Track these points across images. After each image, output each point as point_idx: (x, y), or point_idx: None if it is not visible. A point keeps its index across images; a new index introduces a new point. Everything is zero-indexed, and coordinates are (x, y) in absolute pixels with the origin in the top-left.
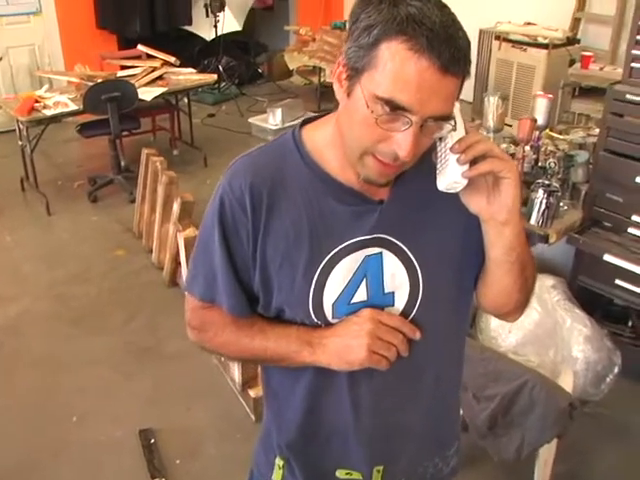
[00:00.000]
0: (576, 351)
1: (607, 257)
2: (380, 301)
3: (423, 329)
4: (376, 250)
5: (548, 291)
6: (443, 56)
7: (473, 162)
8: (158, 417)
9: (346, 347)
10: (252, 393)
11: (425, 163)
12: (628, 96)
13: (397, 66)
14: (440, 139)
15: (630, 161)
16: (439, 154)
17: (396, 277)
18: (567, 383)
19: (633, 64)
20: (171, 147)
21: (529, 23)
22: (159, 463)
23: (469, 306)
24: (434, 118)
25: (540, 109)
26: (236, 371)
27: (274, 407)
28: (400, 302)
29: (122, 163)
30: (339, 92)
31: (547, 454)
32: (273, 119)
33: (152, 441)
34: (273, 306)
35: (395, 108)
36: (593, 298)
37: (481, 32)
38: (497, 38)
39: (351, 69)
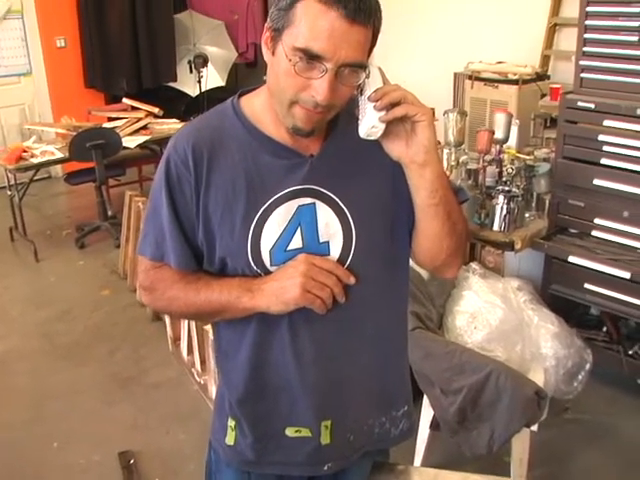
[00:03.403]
0: (545, 348)
1: (572, 259)
2: (315, 249)
3: (359, 277)
4: (309, 200)
5: (514, 292)
6: (349, 7)
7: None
8: (138, 441)
9: (281, 288)
10: None
11: (353, 122)
12: (580, 103)
13: (310, 19)
14: (361, 92)
15: (587, 165)
16: (360, 105)
17: (330, 226)
18: (538, 380)
19: (582, 74)
20: None
21: (500, 62)
22: None
23: (406, 261)
24: (348, 65)
25: (499, 123)
26: (214, 390)
27: (225, 368)
28: (335, 251)
29: (109, 211)
30: (267, 54)
31: (521, 451)
32: None
33: (131, 462)
34: (216, 257)
35: (311, 57)
36: (568, 308)
37: (455, 75)
38: (469, 78)
39: (274, 30)
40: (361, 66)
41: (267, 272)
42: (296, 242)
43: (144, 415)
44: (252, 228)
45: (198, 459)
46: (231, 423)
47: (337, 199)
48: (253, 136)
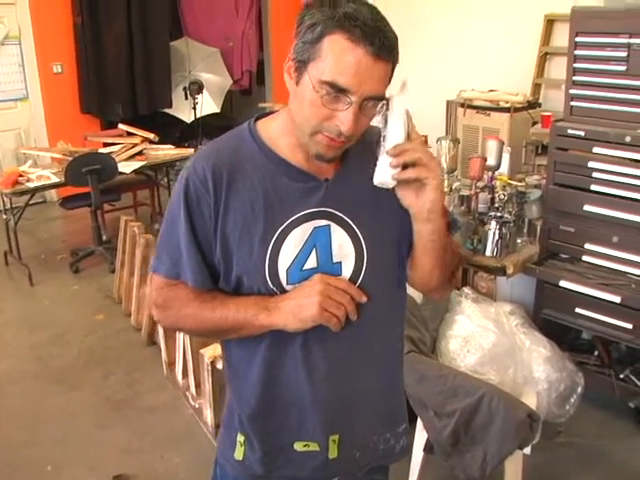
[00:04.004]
0: (537, 372)
1: (563, 283)
2: (329, 269)
3: (369, 296)
4: (324, 222)
5: (506, 316)
6: (375, 44)
7: (406, 166)
8: (133, 465)
9: (299, 306)
10: None
11: (365, 149)
12: (570, 131)
13: (337, 54)
14: (384, 137)
15: (577, 191)
16: (381, 150)
17: (343, 248)
18: (530, 403)
19: (572, 102)
20: (152, 221)
21: (492, 90)
22: None
23: (405, 282)
24: (371, 98)
25: (491, 150)
26: (209, 415)
27: (235, 384)
28: (347, 271)
29: (103, 235)
30: (289, 83)
31: (514, 474)
32: None
33: None
34: (233, 276)
35: (337, 90)
36: (560, 332)
37: (448, 103)
38: (462, 105)
39: (299, 62)
40: (382, 98)
41: (283, 290)
42: (311, 262)
43: (138, 439)
44: (270, 248)
45: None
46: (240, 438)
47: (350, 222)
48: (270, 159)
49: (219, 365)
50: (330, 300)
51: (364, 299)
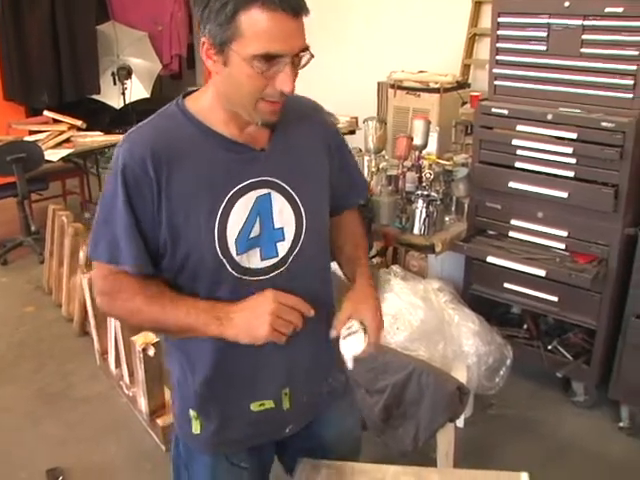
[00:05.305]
0: (466, 346)
1: (490, 259)
2: (271, 235)
3: (309, 256)
4: (265, 191)
5: (435, 293)
6: (290, 5)
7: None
8: (67, 457)
9: (251, 324)
10: (160, 422)
11: (290, 124)
12: (494, 110)
13: (261, 26)
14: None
15: (502, 169)
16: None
17: (284, 213)
18: (460, 376)
19: (496, 82)
20: (82, 210)
21: (422, 71)
22: None
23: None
24: (299, 52)
25: (418, 129)
26: (143, 402)
27: (187, 356)
28: (289, 235)
29: (32, 226)
30: (213, 65)
31: (447, 446)
32: None
33: (60, 478)
34: (179, 254)
35: (271, 58)
36: (490, 307)
37: (379, 84)
38: (392, 87)
39: (218, 44)
40: (307, 48)
41: (233, 261)
42: (256, 230)
43: (73, 430)
44: (217, 220)
45: (130, 470)
46: (193, 414)
47: (288, 188)
48: (205, 134)
49: (151, 352)
50: (280, 320)
51: (312, 313)
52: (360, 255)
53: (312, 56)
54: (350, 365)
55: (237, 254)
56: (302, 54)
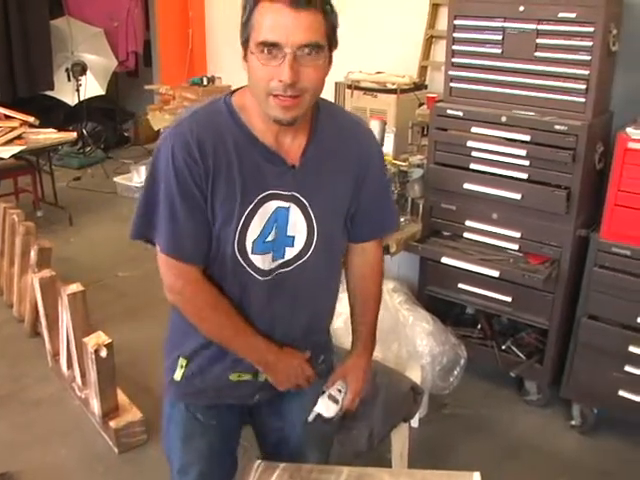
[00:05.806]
0: (420, 346)
1: (445, 260)
2: (283, 240)
3: (313, 267)
4: (286, 204)
5: (389, 293)
6: None
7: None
8: (18, 461)
9: (285, 376)
10: (113, 424)
11: (325, 142)
12: (449, 111)
13: (262, 17)
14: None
15: (457, 170)
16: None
17: (297, 225)
18: (415, 376)
19: (451, 84)
20: (34, 208)
21: (379, 72)
22: None
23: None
24: (304, 46)
25: (374, 130)
26: (95, 404)
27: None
28: (299, 243)
29: None
30: (244, 65)
31: (401, 446)
32: (138, 177)
33: None
34: (214, 237)
35: (269, 46)
36: (445, 308)
37: (336, 84)
38: (349, 87)
39: (243, 43)
40: (317, 45)
41: (247, 259)
42: (271, 235)
43: (23, 434)
44: (243, 220)
45: (82, 473)
46: (182, 362)
47: (308, 205)
48: (246, 137)
49: (103, 353)
50: (297, 380)
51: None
52: (366, 321)
53: (321, 53)
54: (310, 418)
55: (252, 254)
56: (306, 50)
